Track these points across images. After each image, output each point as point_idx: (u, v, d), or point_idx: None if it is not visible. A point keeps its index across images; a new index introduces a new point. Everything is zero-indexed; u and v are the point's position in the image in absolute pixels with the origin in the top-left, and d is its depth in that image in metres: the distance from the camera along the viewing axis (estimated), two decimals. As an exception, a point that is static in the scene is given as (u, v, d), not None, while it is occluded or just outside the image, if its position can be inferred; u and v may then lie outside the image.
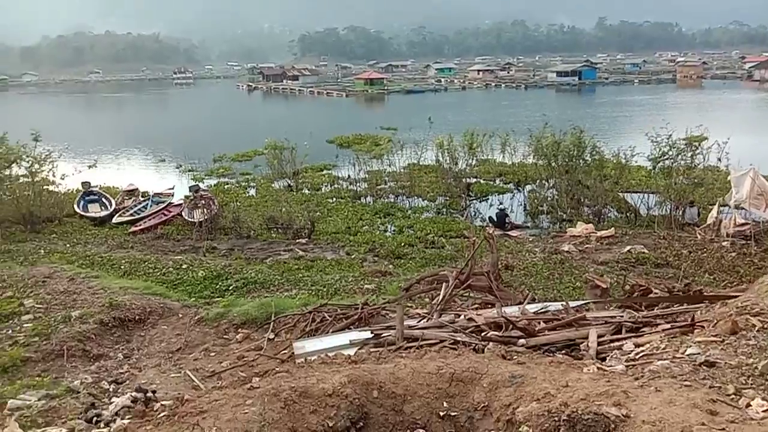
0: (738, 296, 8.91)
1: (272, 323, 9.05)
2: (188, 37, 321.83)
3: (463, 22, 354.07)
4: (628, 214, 22.72)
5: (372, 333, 7.02)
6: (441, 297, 7.74)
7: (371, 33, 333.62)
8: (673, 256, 16.91)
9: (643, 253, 17.21)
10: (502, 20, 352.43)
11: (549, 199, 25.03)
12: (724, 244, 17.68)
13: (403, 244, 18.90)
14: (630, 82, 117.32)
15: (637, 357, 4.69)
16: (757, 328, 4.37)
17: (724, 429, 3.12)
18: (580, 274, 15.00)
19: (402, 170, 30.29)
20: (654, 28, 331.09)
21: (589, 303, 9.93)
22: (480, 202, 26.42)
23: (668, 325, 5.49)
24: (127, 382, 7.50)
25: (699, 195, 21.78)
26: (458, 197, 25.82)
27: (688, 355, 4.12)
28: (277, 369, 6.44)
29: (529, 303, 8.81)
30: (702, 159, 21.38)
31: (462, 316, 7.39)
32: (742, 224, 17.85)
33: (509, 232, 20.93)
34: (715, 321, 4.95)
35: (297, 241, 19.68)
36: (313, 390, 4.59)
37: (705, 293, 9.91)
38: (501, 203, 25.06)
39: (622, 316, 6.41)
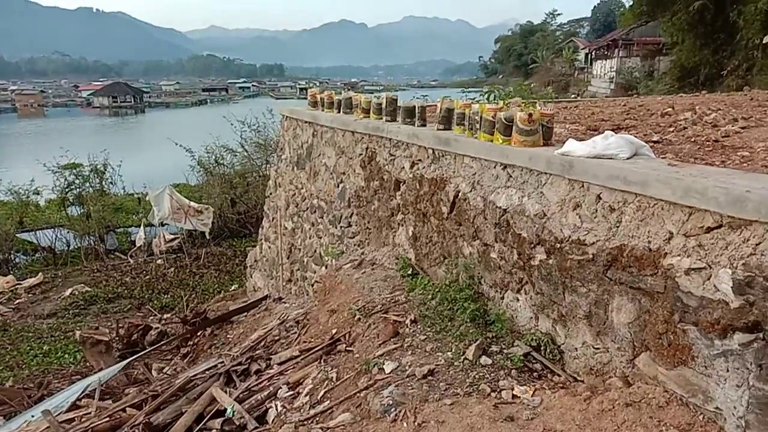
0: (249, 304, 9.21)
1: None
2: None
3: None
4: (43, 255, 20.17)
5: None
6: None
7: None
8: (120, 285, 16.14)
9: (89, 291, 15.73)
10: None
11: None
12: (159, 262, 18.04)
13: None
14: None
15: (320, 398, 4.10)
16: (407, 322, 4.49)
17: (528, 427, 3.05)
18: (37, 337, 12.42)
19: None
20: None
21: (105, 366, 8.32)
22: None
23: (293, 353, 5.02)
24: None
25: (117, 220, 21.40)
26: None
27: (397, 372, 3.85)
28: None
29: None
30: (112, 184, 21.07)
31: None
32: (172, 239, 18.63)
33: None
34: (362, 333, 4.77)
35: None
36: None
37: (211, 313, 9.88)
38: None
39: (223, 363, 5.50)
